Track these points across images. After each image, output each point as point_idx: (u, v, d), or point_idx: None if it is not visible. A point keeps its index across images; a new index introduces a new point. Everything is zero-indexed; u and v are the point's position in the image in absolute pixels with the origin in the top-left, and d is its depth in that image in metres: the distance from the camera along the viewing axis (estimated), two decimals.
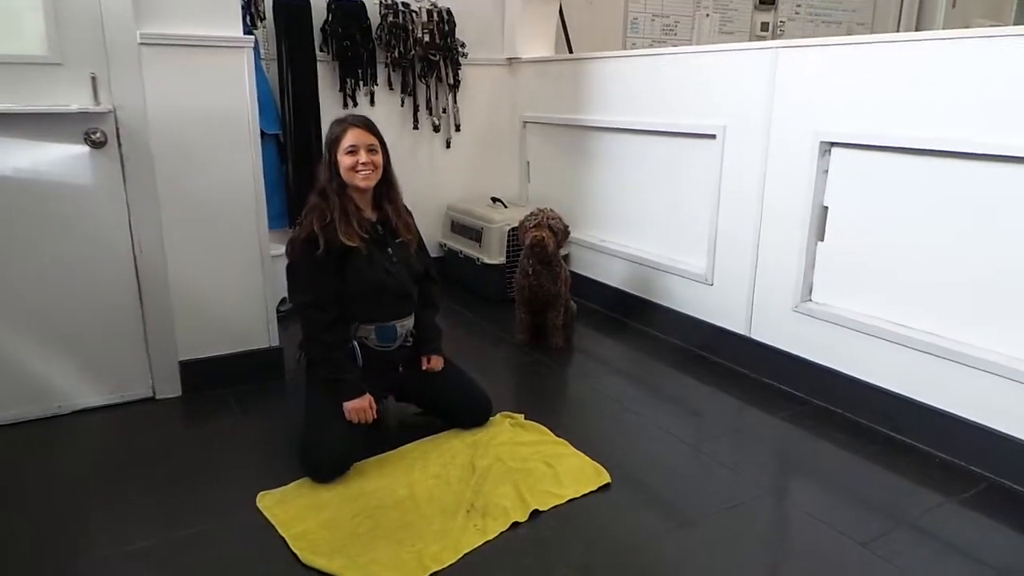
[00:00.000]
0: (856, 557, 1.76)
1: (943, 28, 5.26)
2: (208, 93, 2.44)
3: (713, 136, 2.88)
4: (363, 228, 2.13)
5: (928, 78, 2.15)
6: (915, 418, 2.28)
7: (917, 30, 5.48)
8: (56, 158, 2.29)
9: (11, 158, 2.23)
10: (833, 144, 2.44)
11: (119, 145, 2.36)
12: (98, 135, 2.31)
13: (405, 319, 2.28)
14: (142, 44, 2.31)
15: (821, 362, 2.57)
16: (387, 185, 2.24)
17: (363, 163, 2.11)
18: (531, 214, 3.04)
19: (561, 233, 2.99)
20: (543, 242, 2.94)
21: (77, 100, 2.29)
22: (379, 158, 2.16)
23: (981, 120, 2.04)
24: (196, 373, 2.59)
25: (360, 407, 2.10)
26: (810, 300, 2.61)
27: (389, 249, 2.22)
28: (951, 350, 2.17)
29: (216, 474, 2.11)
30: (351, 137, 2.11)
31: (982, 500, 2.00)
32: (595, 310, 3.60)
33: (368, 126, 2.16)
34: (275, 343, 2.74)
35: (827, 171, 2.48)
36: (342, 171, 2.12)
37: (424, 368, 2.32)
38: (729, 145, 2.83)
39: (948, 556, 1.78)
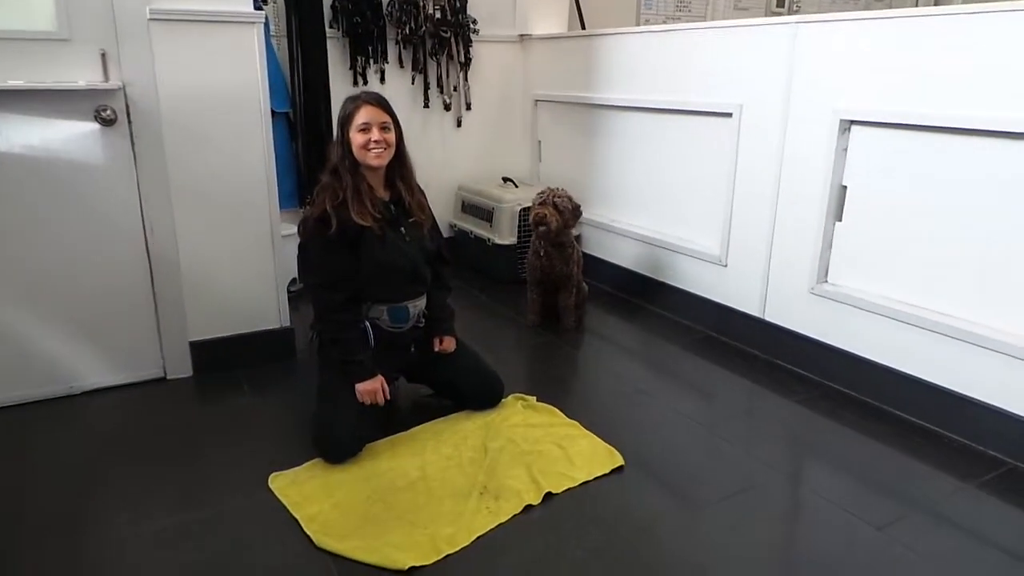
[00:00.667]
0: (872, 541, 1.74)
1: (964, 2, 5.14)
2: (218, 69, 2.41)
3: (729, 114, 2.83)
4: (376, 207, 2.11)
5: (951, 53, 2.10)
6: (933, 401, 2.25)
7: (937, 4, 5.36)
8: (66, 136, 2.27)
9: (21, 135, 2.22)
10: (853, 122, 2.39)
11: (129, 122, 2.34)
12: (108, 112, 2.29)
13: (417, 300, 2.26)
14: (152, 19, 2.28)
15: (837, 344, 2.54)
16: (400, 164, 2.20)
17: (375, 141, 2.08)
18: (539, 193, 3.01)
19: (568, 213, 2.95)
20: (545, 219, 2.90)
21: (86, 77, 2.26)
22: (392, 136, 2.12)
23: (1006, 96, 1.98)
24: (207, 353, 2.59)
25: (372, 389, 2.09)
26: (826, 282, 2.57)
27: (402, 228, 2.20)
28: (970, 332, 2.14)
29: (228, 455, 2.11)
30: (364, 114, 2.08)
31: (1001, 485, 1.98)
32: (607, 291, 3.58)
33: (381, 103, 2.12)
34: (286, 323, 2.73)
35: (846, 149, 2.43)
36: (354, 149, 2.08)
37: (436, 350, 2.30)
38: (746, 123, 2.78)
39: (966, 541, 1.76)
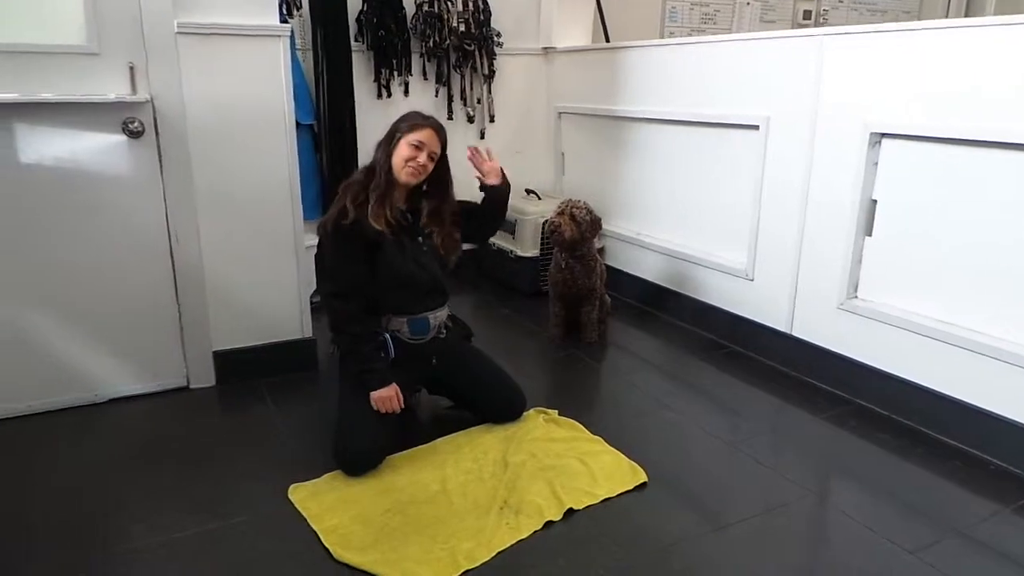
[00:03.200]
0: (904, 566, 1.68)
1: (994, 14, 5.06)
2: (244, 82, 2.43)
3: (756, 127, 2.80)
4: (393, 214, 2.11)
5: (982, 66, 2.05)
6: (966, 421, 2.19)
7: (967, 15, 5.28)
8: (95, 147, 2.30)
9: (51, 147, 2.25)
10: (884, 135, 2.35)
11: (156, 135, 2.36)
12: (136, 124, 2.31)
13: (437, 311, 2.25)
14: (179, 33, 2.31)
15: (867, 361, 2.48)
16: (440, 186, 2.24)
17: (419, 163, 2.11)
18: (559, 204, 2.99)
19: (587, 224, 2.92)
20: (560, 228, 2.88)
21: (115, 89, 2.29)
22: (431, 165, 2.15)
23: None
24: (230, 363, 2.60)
25: (386, 396, 2.08)
26: (856, 297, 2.52)
27: (420, 238, 2.19)
28: (1003, 350, 2.07)
29: (249, 465, 2.10)
30: (424, 135, 2.11)
31: None
32: (631, 304, 3.54)
33: (441, 135, 2.17)
34: (308, 334, 2.73)
35: (876, 163, 2.38)
36: (396, 158, 2.10)
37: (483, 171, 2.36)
38: (773, 136, 2.74)
39: (1003, 568, 1.70)
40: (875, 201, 2.41)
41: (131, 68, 2.30)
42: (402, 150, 2.10)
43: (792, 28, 5.06)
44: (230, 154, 2.46)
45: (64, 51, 2.24)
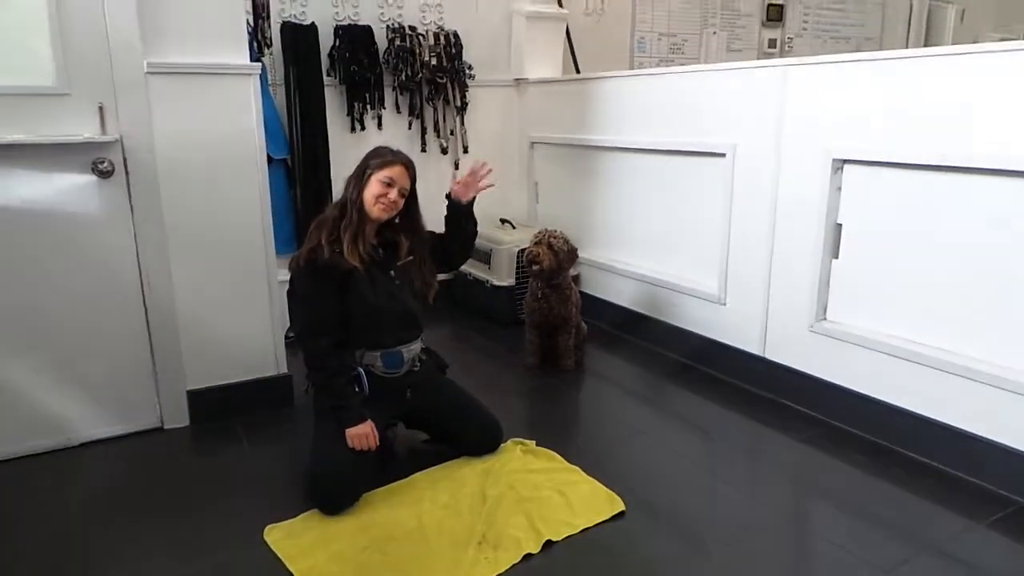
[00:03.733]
0: None
1: (952, 43, 5.23)
2: (215, 120, 2.44)
3: (723, 155, 2.86)
4: (366, 249, 2.13)
5: (938, 94, 2.12)
6: (937, 439, 2.22)
7: (926, 45, 5.45)
8: (64, 188, 2.29)
9: (20, 188, 2.23)
10: (846, 161, 2.41)
11: (126, 174, 2.35)
12: (105, 164, 2.31)
13: (411, 344, 2.25)
14: (149, 73, 2.32)
15: (838, 382, 2.51)
16: (411, 220, 2.28)
17: (390, 200, 2.14)
18: (536, 233, 3.02)
19: (564, 254, 2.95)
20: (538, 258, 2.91)
21: (85, 130, 2.29)
22: (401, 201, 2.18)
23: (994, 135, 2.00)
24: (204, 402, 2.57)
25: (361, 433, 2.06)
26: (825, 319, 2.56)
27: (391, 272, 2.20)
28: (972, 368, 2.12)
29: (224, 506, 2.07)
30: (394, 172, 2.14)
31: (1010, 524, 1.94)
32: (606, 331, 3.56)
33: (411, 171, 2.20)
34: (283, 370, 2.71)
35: (840, 188, 2.44)
36: (367, 194, 2.12)
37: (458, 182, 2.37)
38: (740, 164, 2.80)
39: None
40: (840, 225, 2.46)
41: (101, 108, 2.30)
42: (373, 187, 2.12)
43: (758, 56, 5.18)
44: (201, 192, 2.46)
45: (33, 92, 2.23)
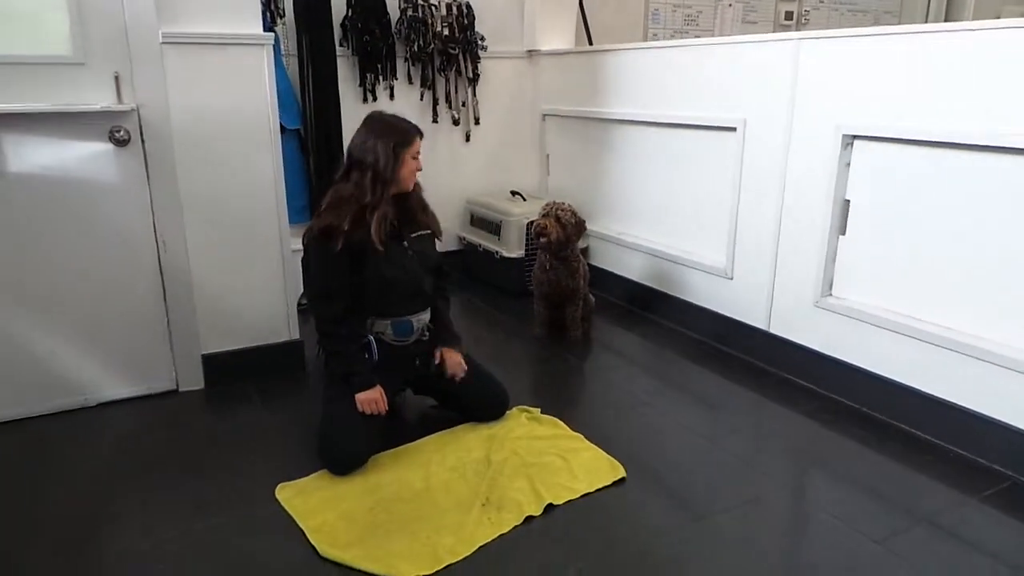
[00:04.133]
0: (871, 555, 1.75)
1: (973, 18, 5.14)
2: (229, 90, 2.47)
3: (734, 129, 2.86)
4: (387, 227, 2.17)
5: (955, 70, 2.11)
6: (936, 415, 2.25)
7: (947, 20, 5.36)
8: (82, 156, 2.34)
9: (39, 157, 2.28)
10: (856, 137, 2.41)
11: (143, 143, 2.40)
12: (122, 133, 2.35)
13: (421, 313, 2.30)
14: (164, 43, 2.35)
15: (841, 357, 2.54)
16: (418, 191, 2.31)
17: (418, 168, 2.21)
18: (544, 205, 3.05)
19: (571, 226, 2.97)
20: (546, 230, 2.94)
21: (101, 99, 2.33)
22: None
23: (1009, 113, 1.99)
24: (218, 366, 2.64)
25: (371, 398, 2.12)
26: (830, 295, 2.58)
27: (405, 243, 2.24)
28: (974, 346, 2.14)
29: (237, 466, 2.15)
30: (418, 145, 2.20)
31: (1004, 499, 1.97)
32: (614, 303, 3.60)
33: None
34: (295, 336, 2.78)
35: (849, 164, 2.45)
36: (404, 172, 2.16)
37: (437, 363, 2.33)
38: (750, 138, 2.80)
39: (966, 555, 1.76)
40: (848, 201, 2.47)
41: (116, 78, 2.34)
42: (409, 165, 2.17)
43: (774, 29, 5.13)
44: (216, 161, 2.50)
45: (51, 62, 2.27)
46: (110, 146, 2.36)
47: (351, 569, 1.68)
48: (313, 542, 1.76)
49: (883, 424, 2.38)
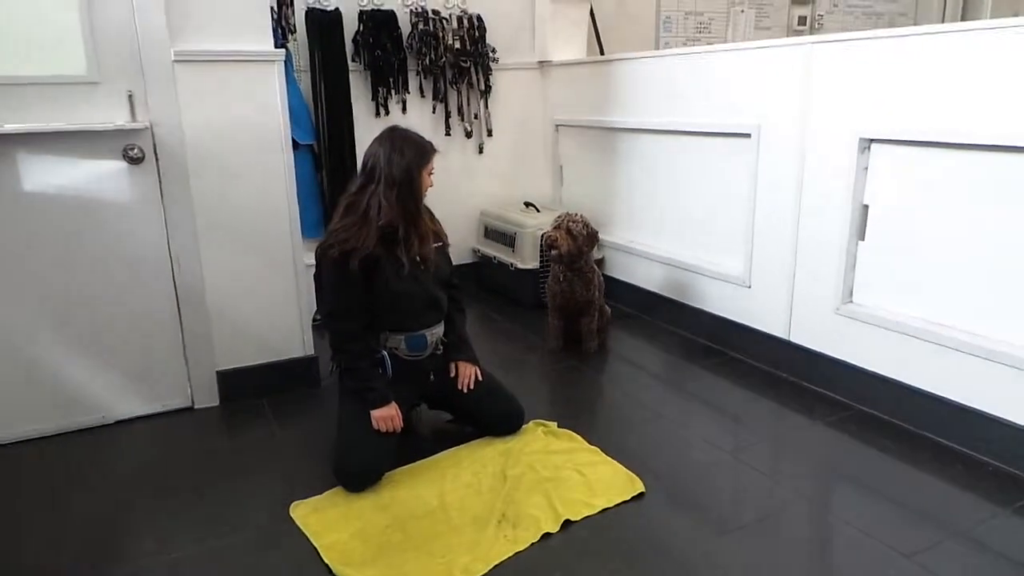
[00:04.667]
0: (901, 570, 1.69)
1: (991, 16, 5.07)
2: (241, 107, 2.48)
3: (748, 135, 2.82)
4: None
5: (973, 69, 2.07)
6: (965, 423, 2.19)
7: (964, 19, 5.29)
8: (96, 175, 2.35)
9: (53, 175, 2.30)
10: (873, 140, 2.37)
11: (156, 160, 2.41)
12: (136, 151, 2.36)
13: (435, 327, 2.28)
14: (176, 61, 2.36)
15: (864, 366, 2.49)
16: (427, 205, 2.29)
17: (431, 186, 2.22)
18: (556, 217, 3.02)
19: (583, 238, 2.94)
20: (556, 243, 2.92)
21: (115, 117, 2.35)
22: None
23: None
24: (233, 383, 2.63)
25: (387, 415, 2.10)
26: (851, 302, 2.53)
27: (417, 257, 2.22)
28: (1001, 352, 2.08)
29: (252, 483, 2.13)
30: (434, 161, 2.20)
31: None
32: (630, 314, 3.56)
33: None
34: (310, 352, 2.77)
35: (867, 168, 2.40)
36: (423, 189, 2.17)
37: (452, 375, 2.30)
38: (764, 144, 2.77)
39: (1000, 569, 1.70)
40: (867, 206, 2.42)
41: (130, 96, 2.36)
42: (426, 182, 2.18)
43: (787, 34, 5.08)
44: (229, 177, 2.51)
45: (65, 81, 2.29)
46: (124, 164, 2.37)
47: None
48: (327, 560, 1.74)
49: (909, 434, 2.32)
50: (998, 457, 2.12)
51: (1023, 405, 2.05)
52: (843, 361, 2.56)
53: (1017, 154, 1.99)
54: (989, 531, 1.83)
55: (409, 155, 2.12)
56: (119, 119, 2.35)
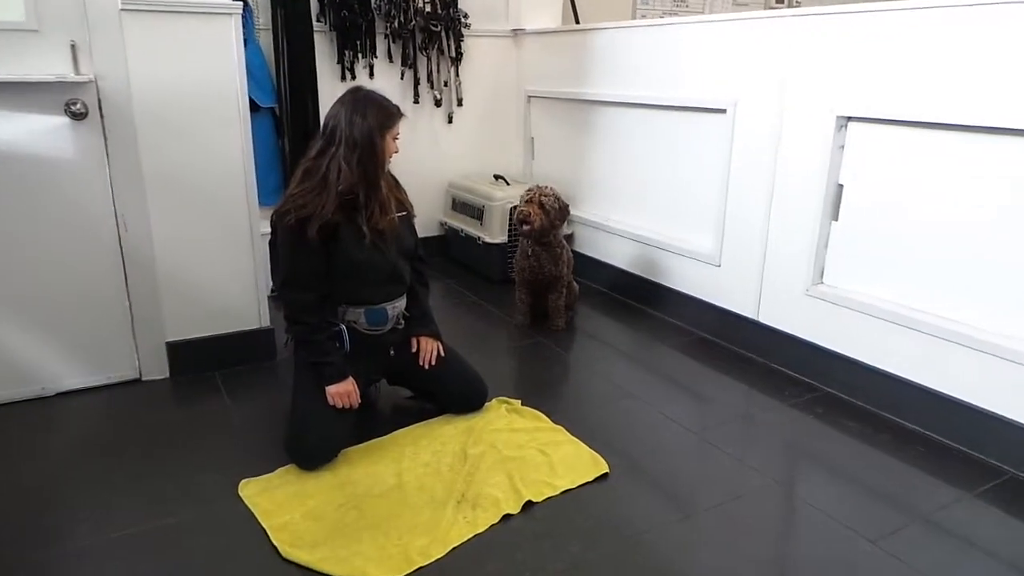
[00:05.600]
0: (866, 554, 1.66)
1: None
2: (193, 62, 2.33)
3: (723, 111, 2.75)
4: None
5: (955, 48, 2.01)
6: (931, 407, 2.17)
7: None
8: (35, 130, 2.20)
9: None
10: (850, 118, 2.31)
11: (101, 117, 2.26)
12: (78, 106, 2.21)
13: (396, 300, 2.18)
14: (124, 9, 2.21)
15: (833, 348, 2.46)
16: (391, 173, 2.20)
17: (396, 152, 2.10)
18: (526, 190, 2.93)
19: (555, 212, 2.86)
20: (529, 217, 2.83)
21: (56, 69, 2.19)
22: None
23: (1009, 93, 1.90)
24: (184, 355, 2.52)
25: (343, 391, 2.01)
26: (822, 283, 2.49)
27: (380, 225, 2.12)
28: (970, 336, 2.06)
29: (199, 460, 2.03)
30: (400, 126, 2.08)
31: (1002, 494, 1.90)
32: (599, 291, 3.50)
33: None
34: (266, 324, 2.65)
35: (843, 147, 2.35)
36: (386, 154, 2.04)
37: (414, 351, 2.22)
38: (740, 120, 2.70)
39: (965, 553, 1.69)
40: (841, 186, 2.38)
41: (73, 46, 2.20)
42: (390, 147, 2.06)
43: (765, 8, 5.02)
44: (180, 137, 2.37)
45: (1, 28, 2.12)
46: (66, 120, 2.22)
47: (315, 572, 1.57)
48: (275, 542, 1.66)
49: (876, 417, 2.30)
50: (964, 442, 2.10)
51: (990, 391, 2.04)
52: (812, 343, 2.53)
53: (999, 135, 1.95)
54: (953, 515, 1.82)
55: (372, 117, 2.00)
56: (60, 71, 2.19)
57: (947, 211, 2.10)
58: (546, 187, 2.92)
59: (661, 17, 4.70)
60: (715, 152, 2.83)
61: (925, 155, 2.13)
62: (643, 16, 4.65)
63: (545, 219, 2.85)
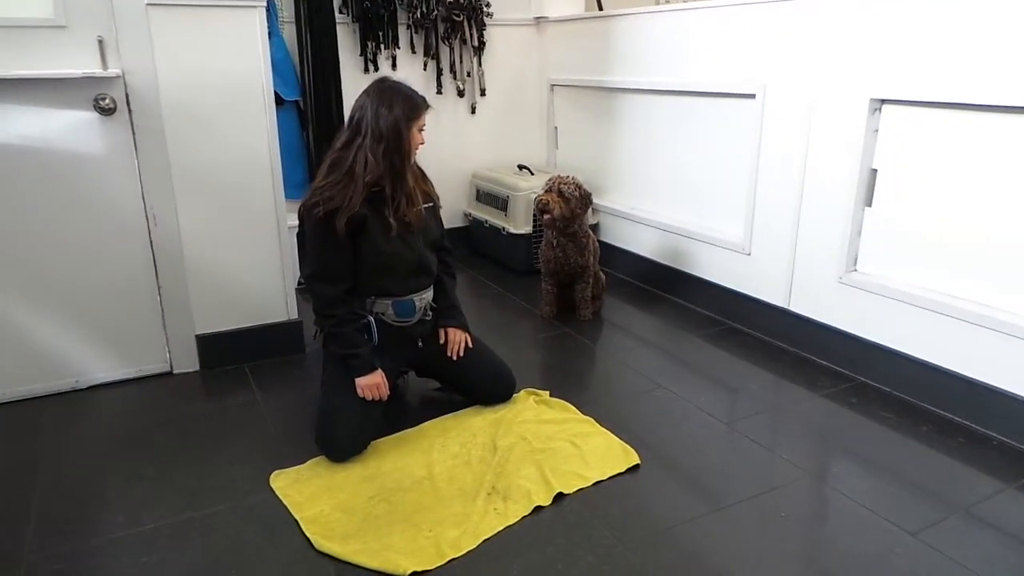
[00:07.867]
0: (906, 547, 1.63)
1: None
2: (219, 56, 2.34)
3: (752, 96, 2.70)
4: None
5: (994, 26, 1.95)
6: (970, 397, 2.12)
7: None
8: (65, 126, 2.22)
9: (19, 125, 2.17)
10: (884, 101, 2.26)
11: (129, 111, 2.28)
12: (107, 101, 2.23)
13: (424, 292, 2.18)
14: (150, 5, 2.22)
15: (867, 336, 2.41)
16: (418, 165, 2.19)
17: (422, 143, 2.09)
18: (548, 180, 2.91)
19: (576, 200, 2.83)
20: (548, 206, 2.80)
21: (84, 65, 2.20)
22: None
23: None
24: (213, 347, 2.53)
25: (372, 383, 2.01)
26: (855, 270, 2.44)
27: (407, 218, 2.11)
28: (1009, 323, 2.00)
29: (230, 452, 2.05)
30: (425, 117, 2.06)
31: None
32: (626, 281, 3.47)
33: None
34: (294, 316, 2.66)
35: (877, 131, 2.29)
36: (411, 145, 2.03)
37: (442, 342, 2.21)
38: (770, 105, 2.65)
39: (1006, 547, 1.64)
40: (875, 170, 2.32)
41: (100, 42, 2.21)
42: (416, 138, 2.04)
43: None
44: (207, 131, 2.38)
45: (30, 24, 2.14)
46: (95, 115, 2.24)
47: (347, 564, 1.58)
48: (308, 534, 1.66)
49: (912, 406, 2.25)
50: (1004, 431, 2.05)
51: None
52: (845, 331, 2.48)
53: None
54: (993, 508, 1.77)
55: (398, 108, 1.99)
56: (88, 67, 2.21)
57: (986, 195, 2.04)
58: (568, 176, 2.89)
59: (686, 1, 4.62)
60: (744, 138, 2.78)
61: (962, 138, 2.07)
62: (668, 1, 4.58)
63: (565, 207, 2.82)
